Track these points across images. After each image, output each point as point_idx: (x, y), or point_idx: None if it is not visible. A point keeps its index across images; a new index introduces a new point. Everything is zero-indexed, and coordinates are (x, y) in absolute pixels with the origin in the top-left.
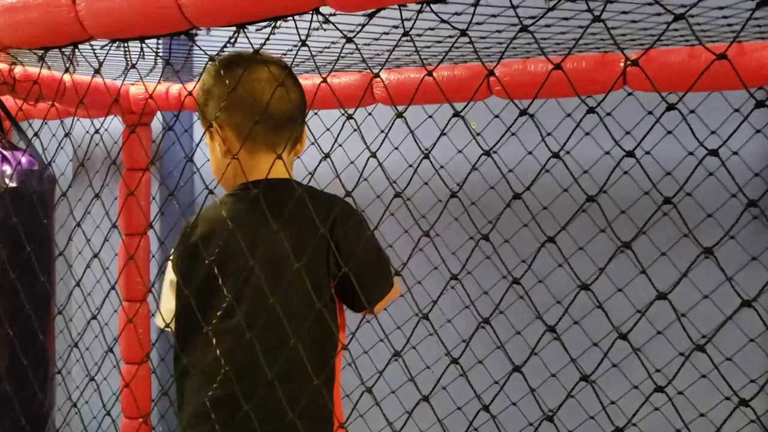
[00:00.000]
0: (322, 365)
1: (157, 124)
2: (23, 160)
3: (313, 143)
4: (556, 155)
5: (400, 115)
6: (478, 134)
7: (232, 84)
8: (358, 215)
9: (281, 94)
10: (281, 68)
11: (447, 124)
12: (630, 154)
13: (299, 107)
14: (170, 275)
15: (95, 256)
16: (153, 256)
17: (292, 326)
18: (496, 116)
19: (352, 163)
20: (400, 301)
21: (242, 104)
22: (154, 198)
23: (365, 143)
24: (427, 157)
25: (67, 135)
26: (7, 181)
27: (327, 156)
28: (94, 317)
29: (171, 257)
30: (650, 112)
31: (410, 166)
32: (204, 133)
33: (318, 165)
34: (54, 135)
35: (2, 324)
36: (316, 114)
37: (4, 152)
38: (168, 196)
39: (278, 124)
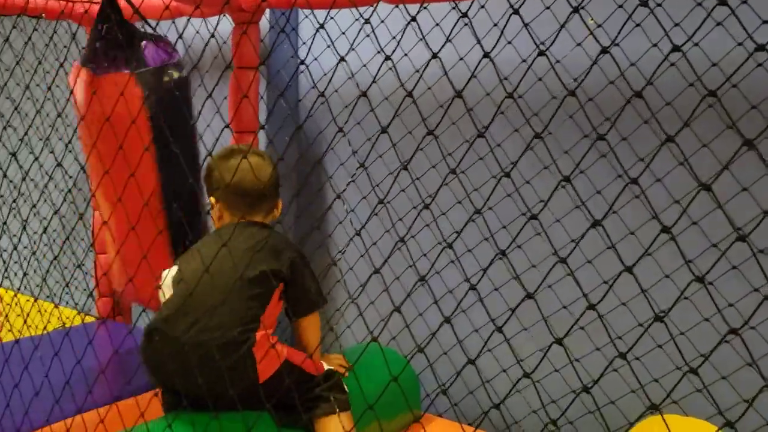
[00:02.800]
0: None
1: (264, 22)
2: (171, 50)
3: (421, 39)
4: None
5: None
6: (599, 26)
7: (225, 172)
8: None
9: (255, 179)
10: (261, 157)
11: (567, 18)
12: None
13: (271, 186)
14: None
15: (209, 154)
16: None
17: None
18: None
19: (461, 59)
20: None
21: (229, 187)
22: (262, 97)
23: (478, 40)
24: (543, 53)
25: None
26: (178, 71)
27: (435, 55)
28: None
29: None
30: (699, 4)
31: (524, 61)
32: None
33: (426, 64)
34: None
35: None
36: (425, 8)
37: (159, 44)
38: (278, 96)
39: (253, 200)
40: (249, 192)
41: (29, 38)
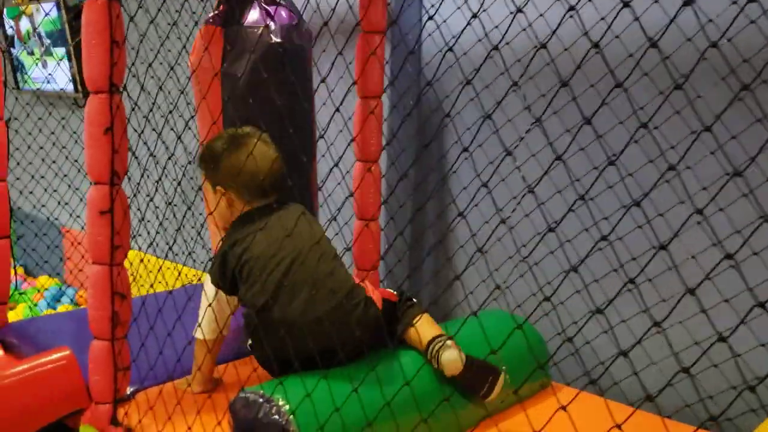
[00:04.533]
0: None
1: None
2: (283, 14)
3: None
4: None
5: None
6: None
7: (238, 160)
8: None
9: (270, 166)
10: (267, 143)
11: None
12: None
13: (281, 172)
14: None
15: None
16: (385, 120)
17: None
18: None
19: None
20: None
21: (246, 174)
22: (387, 61)
23: None
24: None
25: None
26: (273, 36)
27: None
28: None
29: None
30: None
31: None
32: (203, 186)
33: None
34: None
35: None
36: None
37: (267, 7)
38: (407, 59)
39: (268, 185)
40: (266, 179)
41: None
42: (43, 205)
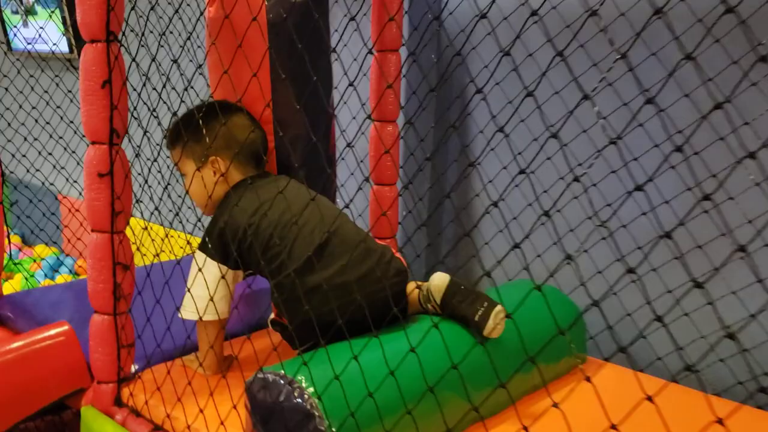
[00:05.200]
0: None
1: None
2: None
3: None
4: None
5: None
6: None
7: (226, 128)
8: None
9: (256, 134)
10: (250, 115)
11: None
12: None
13: (264, 141)
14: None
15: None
16: (403, 76)
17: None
18: None
19: None
20: None
21: (235, 141)
22: (406, 12)
23: None
24: None
25: None
26: None
27: None
28: (349, 145)
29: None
30: None
31: None
32: (178, 162)
33: None
34: None
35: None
36: None
37: None
38: (425, 14)
39: (263, 151)
40: (263, 150)
41: None
42: (37, 170)
